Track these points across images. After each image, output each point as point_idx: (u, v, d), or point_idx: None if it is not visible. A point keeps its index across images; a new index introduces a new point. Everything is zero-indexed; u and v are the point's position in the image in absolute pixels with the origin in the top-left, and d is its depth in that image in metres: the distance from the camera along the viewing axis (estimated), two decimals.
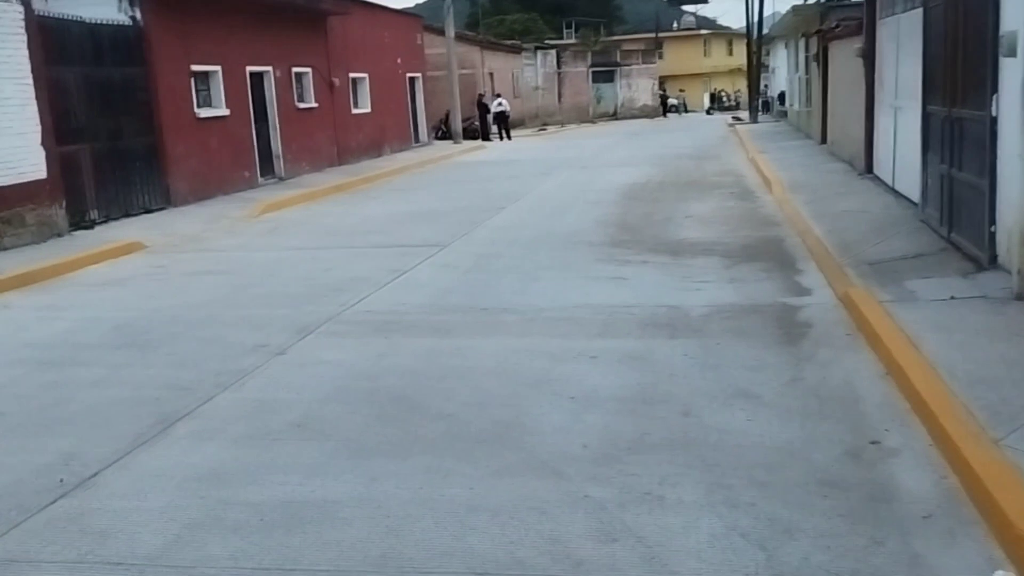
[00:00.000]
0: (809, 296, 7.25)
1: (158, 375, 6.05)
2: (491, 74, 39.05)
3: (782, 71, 39.33)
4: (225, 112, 16.51)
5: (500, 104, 34.02)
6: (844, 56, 16.17)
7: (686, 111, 64.95)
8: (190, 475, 4.39)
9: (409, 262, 9.62)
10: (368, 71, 23.91)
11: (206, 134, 15.90)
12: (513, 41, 48.94)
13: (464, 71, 34.69)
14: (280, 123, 18.74)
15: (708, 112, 63.64)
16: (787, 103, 29.26)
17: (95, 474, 4.45)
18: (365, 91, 23.92)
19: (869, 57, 13.24)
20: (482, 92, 35.49)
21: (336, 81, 21.61)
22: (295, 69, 19.59)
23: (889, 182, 12.03)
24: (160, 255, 11.02)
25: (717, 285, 7.79)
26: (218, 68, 16.29)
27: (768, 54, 41.49)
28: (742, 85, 75.93)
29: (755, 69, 37.92)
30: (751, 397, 5.02)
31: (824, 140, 19.89)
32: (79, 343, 7.01)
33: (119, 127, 13.58)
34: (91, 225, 12.45)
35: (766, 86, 49.56)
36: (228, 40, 16.65)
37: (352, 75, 22.95)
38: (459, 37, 35.24)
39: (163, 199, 14.53)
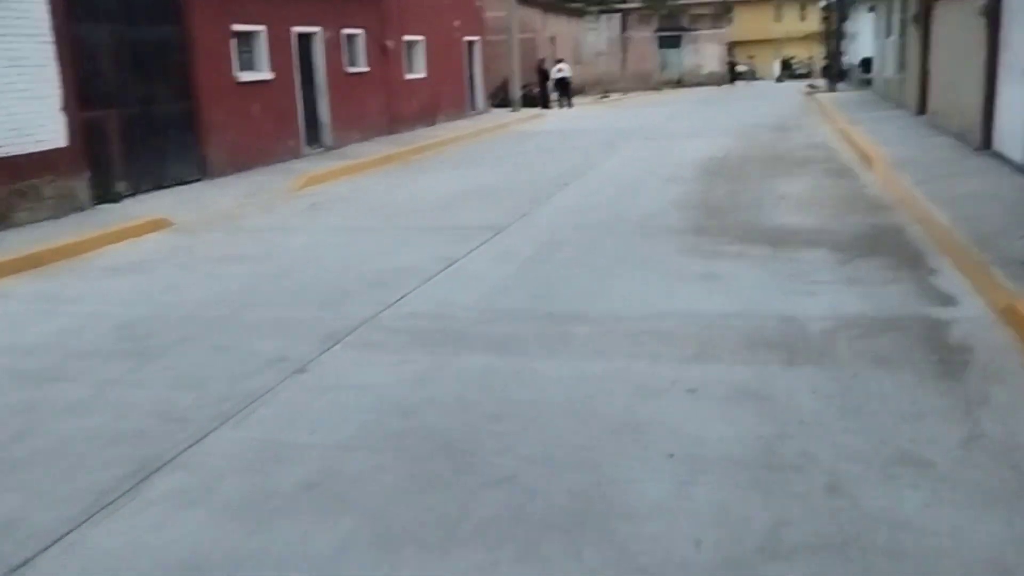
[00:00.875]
0: (956, 307, 5.81)
1: (151, 398, 4.91)
2: (552, 39, 37.43)
3: (865, 36, 36.99)
4: (269, 76, 15.37)
5: (561, 70, 32.45)
6: (954, 16, 14.37)
7: (755, 79, 62.54)
8: (155, 566, 3.21)
9: (461, 249, 8.37)
10: (424, 34, 22.60)
11: (247, 100, 14.80)
12: (577, 4, 47.04)
13: (524, 35, 33.14)
14: (328, 89, 17.56)
15: (778, 80, 61.06)
16: (873, 70, 27.17)
17: (25, 562, 3.30)
18: (420, 55, 22.62)
19: (993, 16, 11.51)
20: (543, 57, 33.94)
21: (390, 44, 20.35)
22: (346, 31, 18.36)
23: (1018, 160, 10.38)
24: (187, 234, 9.93)
25: (834, 288, 6.37)
26: (262, 28, 15.14)
27: (845, 19, 39.01)
28: (815, 52, 73.20)
29: (836, 34, 35.57)
30: (920, 464, 3.67)
31: (923, 110, 18.02)
32: (70, 348, 5.91)
33: (151, 91, 12.52)
34: (117, 198, 11.43)
35: (843, 53, 47.14)
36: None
37: (406, 38, 21.66)
38: (520, 0, 33.67)
39: (198, 170, 13.47)
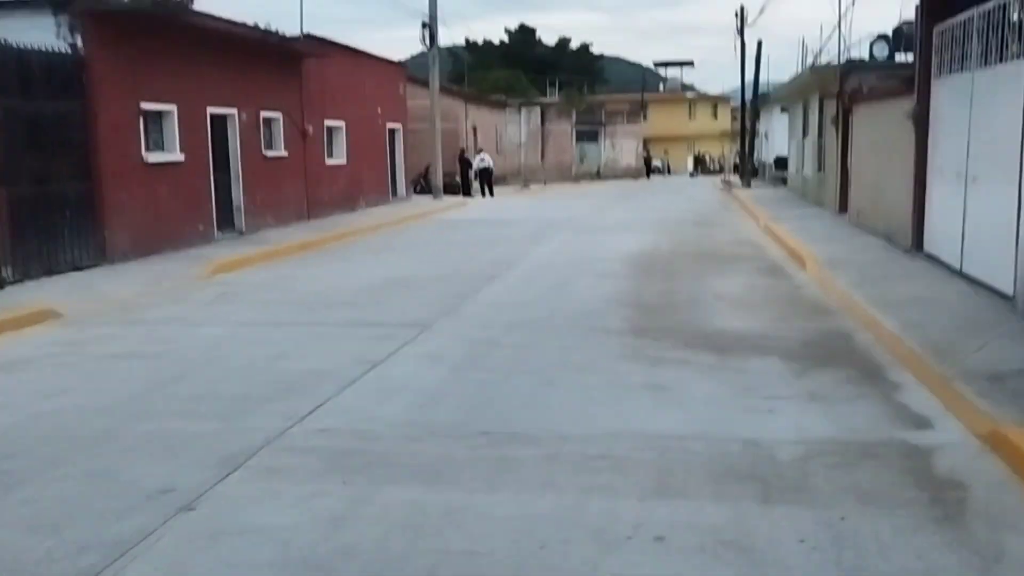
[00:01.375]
0: (932, 430, 5.30)
1: None
2: (474, 129, 37.52)
3: (779, 135, 38.16)
4: (179, 157, 14.54)
5: (483, 160, 32.40)
6: (877, 119, 14.56)
7: (669, 173, 64.14)
8: None
9: (384, 348, 7.62)
10: (345, 119, 22.12)
11: (155, 181, 13.91)
12: (498, 96, 47.61)
13: (447, 124, 33.07)
14: (243, 172, 16.79)
15: (691, 175, 62.82)
16: (789, 169, 27.77)
17: None
18: (341, 141, 22.09)
19: (922, 120, 11.56)
20: (464, 147, 33.88)
21: (310, 128, 19.76)
22: (264, 113, 17.72)
23: (953, 264, 10.24)
24: (76, 327, 8.91)
25: (795, 404, 5.83)
26: (173, 107, 14.36)
27: (757, 119, 40.21)
28: (726, 149, 75.80)
29: (749, 133, 36.59)
30: None
31: (844, 209, 18.23)
32: None
33: (47, 169, 11.55)
34: (1, 284, 10.35)
35: (754, 151, 48.63)
36: (187, 77, 14.76)
37: (328, 123, 21.13)
38: (443, 90, 33.66)
39: (97, 254, 12.45)
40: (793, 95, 25.35)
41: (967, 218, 9.75)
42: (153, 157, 13.90)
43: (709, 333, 8.09)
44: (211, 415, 5.85)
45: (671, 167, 66.20)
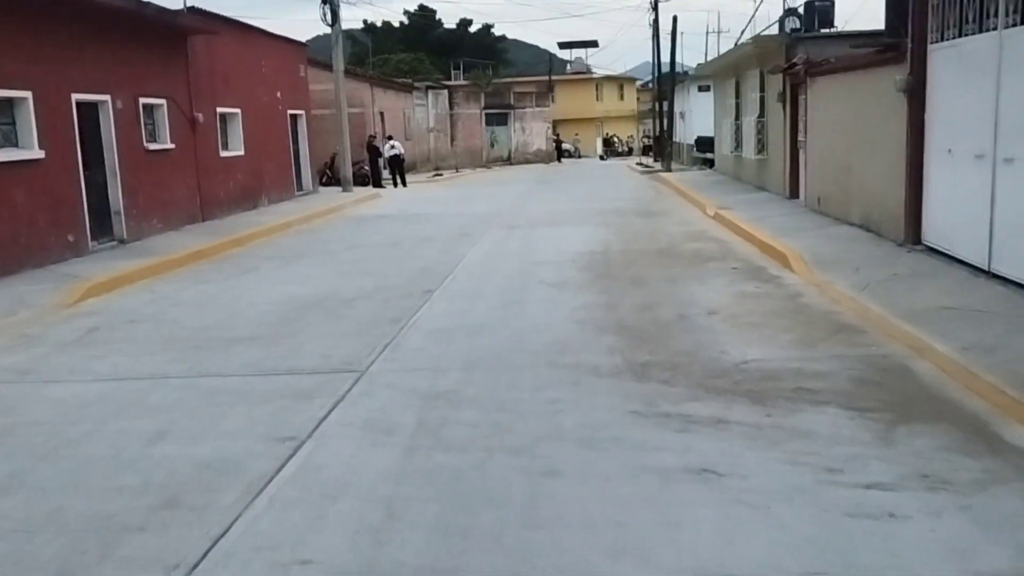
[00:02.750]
0: None
1: None
2: (381, 114, 35.20)
3: (698, 115, 37.02)
4: (37, 154, 12.02)
5: (394, 147, 30.17)
6: (843, 93, 13.10)
7: (579, 156, 62.94)
8: None
9: (305, 414, 5.62)
10: (241, 106, 19.66)
11: (5, 185, 11.41)
12: (404, 79, 45.28)
13: (353, 109, 30.71)
14: (121, 169, 14.30)
15: (602, 158, 61.81)
16: (716, 150, 26.45)
17: None
18: (237, 129, 19.63)
19: (916, 92, 10.06)
20: (373, 133, 31.57)
21: (200, 116, 17.29)
22: (144, 100, 15.22)
23: (975, 261, 8.76)
24: None
25: (915, 498, 4.09)
26: (27, 94, 11.85)
27: (665, 99, 38.93)
28: (633, 131, 75.07)
29: (668, 113, 35.29)
30: None
31: (794, 194, 16.85)
32: None
33: None
34: None
35: (661, 131, 47.54)
36: (45, 57, 12.25)
37: (221, 110, 18.66)
38: (347, 73, 31.29)
39: None
40: (723, 71, 23.97)
41: (996, 208, 8.25)
42: (2, 155, 11.40)
43: (727, 369, 6.33)
44: (44, 563, 3.76)
45: (580, 150, 65.07)
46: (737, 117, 22.21)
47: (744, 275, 10.23)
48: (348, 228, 17.47)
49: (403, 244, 14.52)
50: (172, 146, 16.16)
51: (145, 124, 15.41)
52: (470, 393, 6.04)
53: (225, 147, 19.03)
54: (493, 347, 7.31)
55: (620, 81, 76.40)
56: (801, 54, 16.14)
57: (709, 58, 33.57)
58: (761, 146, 19.01)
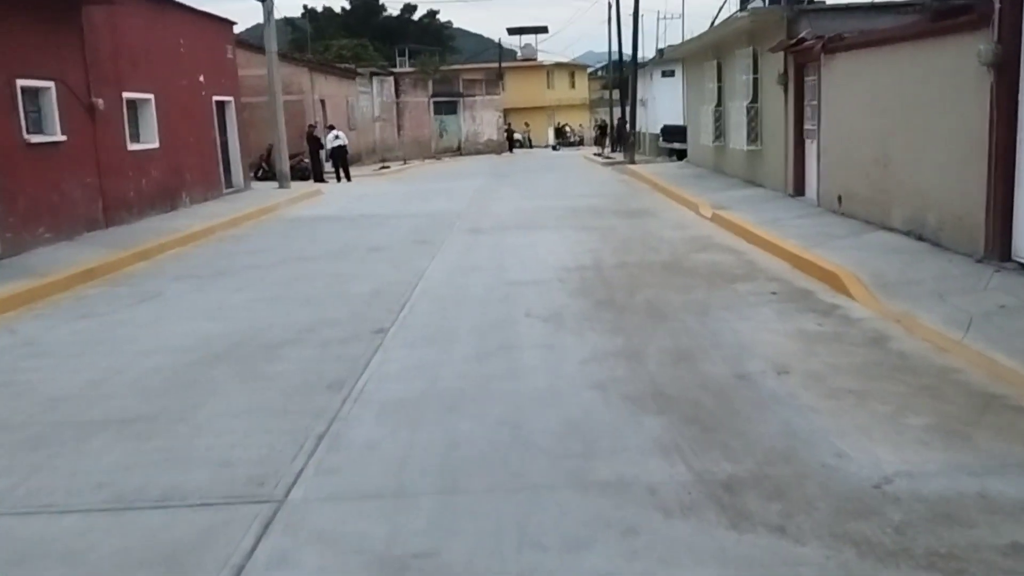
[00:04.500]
0: None
1: None
2: (322, 101, 32.40)
3: (663, 103, 34.85)
4: None
5: (337, 137, 27.44)
6: (880, 71, 10.87)
7: (531, 146, 60.72)
8: None
9: None
10: (155, 91, 16.84)
11: None
12: (347, 65, 42.41)
13: (290, 97, 27.94)
14: None
15: (554, 148, 59.67)
16: (691, 140, 24.24)
17: None
18: (150, 118, 16.81)
19: (1009, 66, 7.83)
20: (313, 123, 28.79)
21: (100, 103, 14.48)
22: (23, 82, 12.40)
23: None
24: None
25: None
26: None
27: (617, 87, 36.70)
28: (585, 120, 72.97)
29: (632, 101, 33.03)
30: None
31: (799, 191, 14.66)
32: None
33: None
34: None
35: (621, 120, 45.34)
36: None
37: (128, 95, 15.84)
38: (284, 57, 28.50)
39: None
40: (700, 53, 21.73)
41: None
42: None
43: (868, 499, 3.95)
44: None
45: (531, 139, 62.82)
46: (719, 103, 19.99)
47: (790, 303, 7.92)
48: (282, 234, 14.83)
49: (348, 256, 11.97)
50: (63, 138, 13.33)
51: (27, 112, 12.60)
52: (456, 559, 3.59)
53: (135, 139, 16.21)
54: (481, 441, 4.86)
55: (572, 68, 74.20)
56: (808, 29, 13.92)
57: (663, 44, 31.44)
58: (754, 135, 16.79)
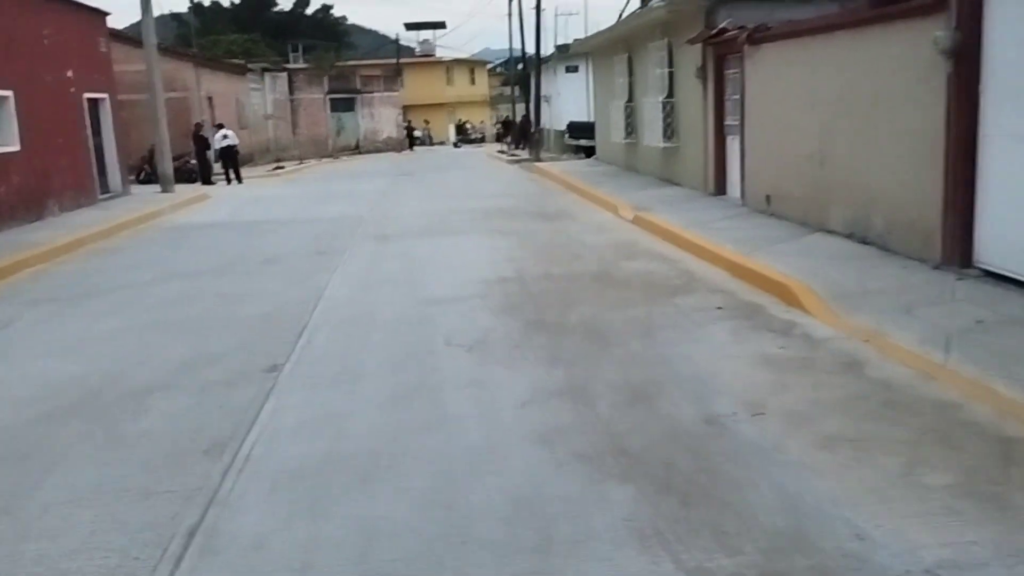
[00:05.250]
0: None
1: None
2: (210, 99, 30.50)
3: (567, 99, 34.13)
4: None
5: (226, 136, 25.71)
6: (817, 61, 10.19)
7: (432, 144, 59.53)
8: None
9: None
10: (14, 87, 15.03)
11: None
12: (236, 60, 40.31)
13: (174, 94, 26.08)
14: None
15: (455, 145, 58.66)
16: (604, 137, 23.51)
17: None
18: (8, 118, 14.99)
19: (968, 54, 7.15)
20: (200, 122, 26.93)
21: None
22: None
23: None
24: None
25: None
26: None
27: (518, 83, 35.89)
28: (486, 116, 72.07)
29: (536, 97, 32.19)
30: None
31: (720, 190, 13.98)
32: None
33: None
34: None
35: (523, 116, 44.55)
36: None
37: None
38: (167, 52, 26.61)
39: None
40: (608, 46, 20.97)
41: None
42: None
43: None
44: None
45: (432, 137, 61.63)
46: (631, 99, 19.26)
47: (741, 319, 7.06)
48: (163, 245, 13.33)
49: (237, 270, 10.64)
50: None
51: None
52: None
53: None
54: (405, 532, 3.77)
55: (471, 65, 73.15)
56: (729, 19, 13.23)
57: (563, 40, 30.74)
58: (670, 132, 16.08)
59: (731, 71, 13.32)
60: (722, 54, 13.53)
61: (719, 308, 7.47)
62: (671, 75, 16.01)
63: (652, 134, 16.97)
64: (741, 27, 12.47)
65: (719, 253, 9.34)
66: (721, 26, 13.16)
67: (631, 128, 19.27)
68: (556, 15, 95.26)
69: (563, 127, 32.93)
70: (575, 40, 25.55)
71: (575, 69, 33.11)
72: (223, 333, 7.45)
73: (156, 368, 6.47)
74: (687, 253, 10.10)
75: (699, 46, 14.18)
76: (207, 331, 7.57)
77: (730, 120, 13.55)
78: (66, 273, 11.03)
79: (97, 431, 5.21)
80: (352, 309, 8.19)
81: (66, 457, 4.83)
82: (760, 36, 11.60)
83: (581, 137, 29.75)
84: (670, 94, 16.10)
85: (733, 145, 13.42)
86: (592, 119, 30.07)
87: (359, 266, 10.55)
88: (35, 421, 5.43)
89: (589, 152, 28.26)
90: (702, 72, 14.26)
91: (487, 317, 7.55)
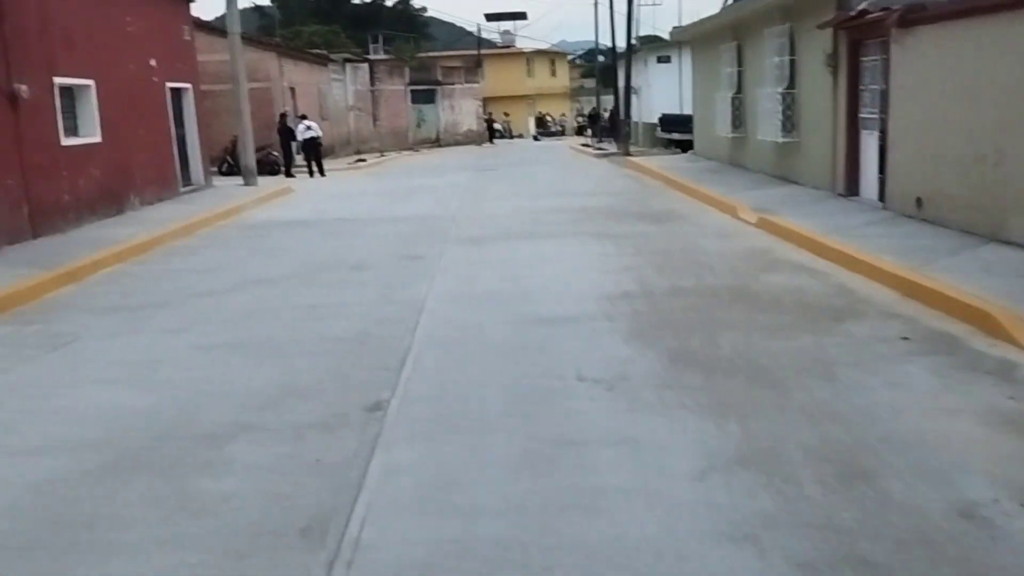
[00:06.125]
0: None
1: None
2: (292, 89, 29.92)
3: (659, 90, 32.72)
4: None
5: (309, 128, 25.04)
6: (991, 47, 8.73)
7: (511, 137, 58.54)
8: None
9: None
10: (96, 76, 14.39)
11: None
12: (318, 51, 39.85)
13: (257, 84, 25.48)
14: None
15: (535, 138, 57.57)
16: (707, 131, 22.08)
17: None
18: (90, 108, 14.35)
19: None
20: (285, 112, 26.34)
21: (23, 89, 12.05)
22: None
23: None
24: None
25: None
26: None
27: (591, 75, 34.45)
28: (566, 109, 70.74)
29: (626, 88, 30.79)
30: None
31: (852, 191, 12.52)
32: None
33: None
34: None
35: (606, 110, 43.17)
36: None
37: (62, 81, 13.39)
38: (250, 41, 25.98)
39: None
40: (713, 34, 19.55)
41: None
42: None
43: None
44: None
45: (511, 130, 60.63)
46: (739, 90, 17.82)
47: (938, 355, 5.75)
48: (244, 245, 12.49)
49: (322, 277, 9.67)
50: None
51: None
52: None
53: (71, 132, 13.78)
54: None
55: (552, 56, 71.84)
56: (869, 0, 11.76)
57: (650, 30, 29.20)
58: (789, 125, 14.64)
59: (869, 58, 11.87)
60: (858, 39, 12.07)
61: (905, 339, 6.16)
62: (792, 63, 14.56)
63: (767, 127, 15.54)
64: (885, 8, 11.01)
65: (879, 266, 7.99)
66: (861, 7, 11.70)
67: (739, 121, 17.84)
68: (639, 4, 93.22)
69: (653, 120, 31.55)
70: (674, 28, 24.07)
71: (667, 59, 31.69)
72: (313, 357, 6.44)
73: (237, 402, 5.48)
74: (835, 265, 8.76)
75: (829, 31, 12.73)
76: (294, 353, 6.57)
77: (866, 113, 12.10)
78: (140, 276, 10.21)
79: (168, 493, 4.21)
80: (457, 329, 7.10)
81: (132, 528, 3.84)
82: (915, 17, 10.13)
83: (674, 131, 28.36)
84: (791, 84, 14.65)
85: (869, 140, 11.98)
86: (686, 111, 28.63)
87: (456, 274, 9.47)
88: (98, 474, 4.47)
89: (682, 146, 26.85)
90: (833, 60, 12.80)
91: (619, 344, 6.38)
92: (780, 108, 14.79)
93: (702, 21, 20.24)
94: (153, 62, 17.07)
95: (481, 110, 52.76)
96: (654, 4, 50.87)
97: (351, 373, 6.00)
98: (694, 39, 22.44)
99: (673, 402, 5.10)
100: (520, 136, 59.88)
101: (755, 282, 8.25)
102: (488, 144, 48.22)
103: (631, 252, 10.12)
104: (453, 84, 51.11)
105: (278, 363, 6.32)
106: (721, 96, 18.86)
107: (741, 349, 6.10)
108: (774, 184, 15.07)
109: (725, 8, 18.22)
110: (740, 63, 17.81)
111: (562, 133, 62.48)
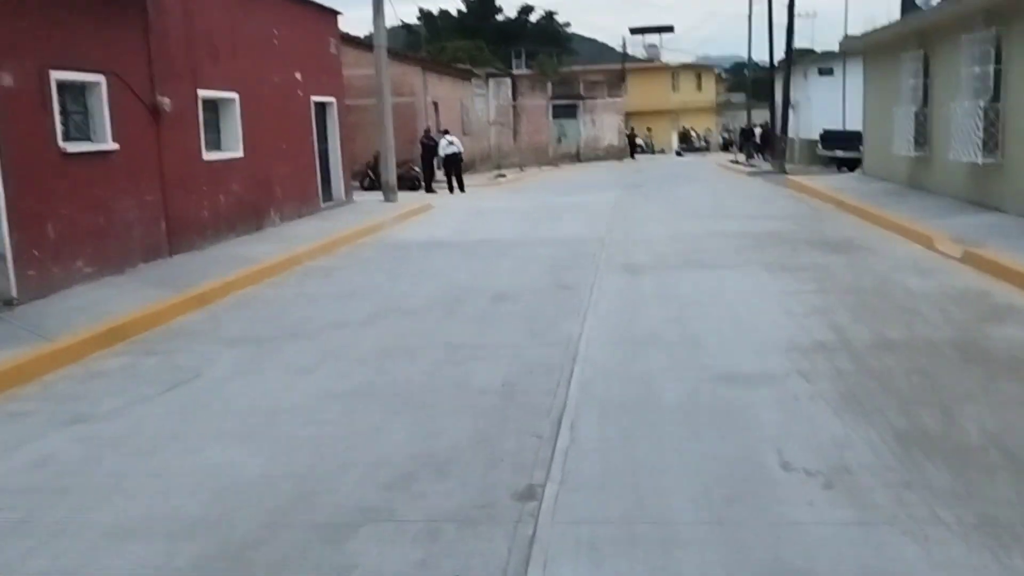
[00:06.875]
0: None
1: None
2: (435, 104, 29.59)
3: (819, 105, 30.71)
4: None
5: (451, 143, 24.50)
6: None
7: (653, 152, 57.05)
8: None
9: None
10: (239, 89, 14.10)
11: None
12: (462, 65, 39.66)
13: (400, 98, 25.15)
14: (12, 184, 8.76)
15: (678, 153, 55.90)
16: (875, 148, 20.15)
17: None
18: (233, 122, 14.06)
19: None
20: (428, 126, 25.95)
21: (166, 102, 11.75)
22: (60, 75, 9.66)
23: None
24: None
25: None
26: None
27: (742, 88, 32.52)
28: (711, 124, 68.55)
29: (784, 103, 28.92)
30: None
31: None
32: None
33: None
34: None
35: (757, 125, 41.17)
36: None
37: (206, 94, 13.11)
38: (395, 56, 25.70)
39: None
40: (895, 43, 17.71)
41: None
42: None
43: None
44: None
45: (653, 145, 59.10)
46: (925, 103, 15.98)
47: None
48: (382, 267, 11.77)
49: (464, 308, 8.74)
50: (114, 147, 10.57)
51: (66, 113, 9.89)
52: None
53: (213, 147, 13.49)
54: None
55: (698, 70, 69.79)
56: None
57: (807, 43, 27.16)
58: (993, 144, 12.80)
59: None
60: None
61: None
62: (997, 73, 12.74)
63: (961, 146, 13.70)
64: None
65: None
66: None
67: (923, 138, 15.98)
68: (795, 16, 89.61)
69: (812, 136, 29.53)
70: (845, 36, 22.21)
71: (829, 72, 29.63)
72: (452, 414, 5.46)
73: (363, 474, 4.55)
74: None
75: None
76: (433, 407, 5.62)
77: None
78: (273, 301, 9.57)
79: None
80: (620, 384, 5.98)
81: None
82: None
83: (837, 148, 26.36)
84: (994, 97, 12.83)
85: None
86: (849, 127, 26.60)
87: (612, 309, 8.35)
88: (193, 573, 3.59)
89: (847, 165, 24.85)
90: None
91: (827, 417, 5.11)
92: (980, 125, 12.97)
93: (880, 29, 18.40)
94: (298, 75, 16.77)
95: (623, 125, 51.59)
96: (810, 16, 48.33)
97: (496, 440, 4.98)
98: (868, 49, 20.54)
99: (921, 513, 3.83)
100: (662, 151, 58.38)
101: (982, 336, 6.77)
102: (629, 159, 47.00)
103: (813, 289, 8.75)
104: (595, 98, 50.14)
105: (412, 420, 5.38)
106: (900, 111, 17.02)
107: (993, 432, 4.73)
108: (969, 211, 13.23)
109: (917, 12, 16.37)
110: (927, 74, 15.96)
111: (707, 149, 60.50)
